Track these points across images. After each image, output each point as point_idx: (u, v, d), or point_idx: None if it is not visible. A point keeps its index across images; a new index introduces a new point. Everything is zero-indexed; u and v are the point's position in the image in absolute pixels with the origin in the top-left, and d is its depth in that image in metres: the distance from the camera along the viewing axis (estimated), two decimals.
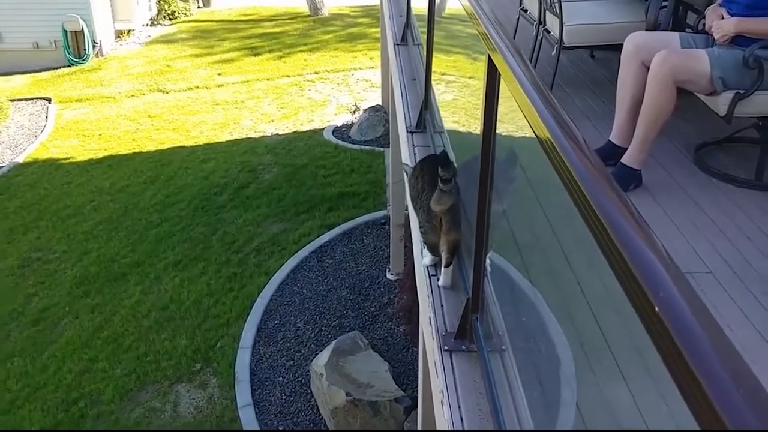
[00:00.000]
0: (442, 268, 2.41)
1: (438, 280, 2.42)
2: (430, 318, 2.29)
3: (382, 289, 7.46)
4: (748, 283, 2.39)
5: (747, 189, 3.05)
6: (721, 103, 2.93)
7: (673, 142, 3.54)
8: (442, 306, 2.28)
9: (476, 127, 2.14)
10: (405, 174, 2.65)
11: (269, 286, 7.51)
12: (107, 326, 7.18)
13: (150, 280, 7.82)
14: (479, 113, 1.87)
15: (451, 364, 2.04)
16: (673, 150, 3.47)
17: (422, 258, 2.54)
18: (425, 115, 3.55)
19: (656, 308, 0.76)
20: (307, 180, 9.66)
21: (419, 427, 3.53)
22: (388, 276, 7.57)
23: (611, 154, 3.25)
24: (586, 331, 2.19)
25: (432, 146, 3.34)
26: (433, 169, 2.30)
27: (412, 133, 3.59)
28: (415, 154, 3.40)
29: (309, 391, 6.19)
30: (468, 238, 2.28)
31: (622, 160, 3.10)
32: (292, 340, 6.79)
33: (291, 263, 7.88)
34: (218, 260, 8.04)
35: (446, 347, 2.07)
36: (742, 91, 2.90)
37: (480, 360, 2.00)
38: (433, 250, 2.43)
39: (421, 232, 2.42)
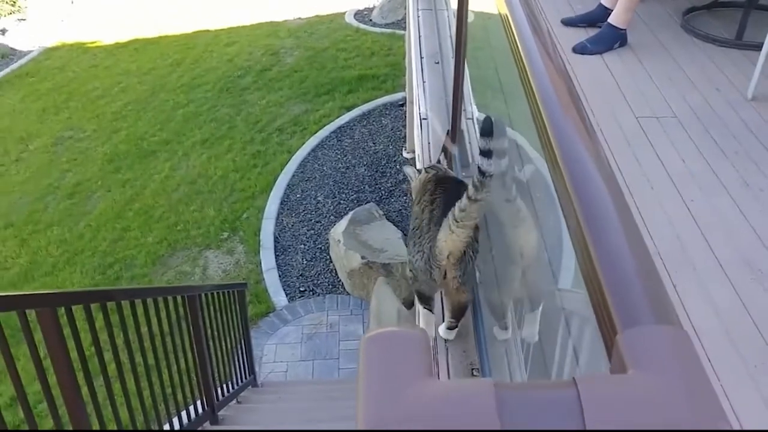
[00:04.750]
0: (444, 327, 1.84)
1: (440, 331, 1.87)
2: (418, 155, 2.58)
3: (398, 166, 7.75)
4: (708, 126, 2.65)
5: (726, 48, 3.25)
6: None
7: (664, 7, 3.71)
8: (429, 143, 2.57)
9: None
10: (409, 180, 1.94)
11: (291, 163, 7.86)
12: (138, 199, 7.62)
13: (178, 157, 8.20)
14: None
15: None
16: (662, 14, 3.65)
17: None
18: None
19: (559, 158, 0.78)
20: (328, 63, 9.83)
21: None
22: (404, 154, 7.85)
23: (602, 15, 3.44)
24: None
25: (434, 9, 3.54)
26: (448, 191, 1.67)
27: None
28: (419, 14, 3.60)
29: (328, 256, 6.62)
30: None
31: (608, 20, 3.30)
32: (313, 212, 7.18)
33: (312, 142, 8.18)
34: (243, 139, 8.37)
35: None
36: None
37: None
38: (427, 300, 1.79)
39: (410, 277, 1.74)
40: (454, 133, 2.28)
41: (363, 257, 6.03)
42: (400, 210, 7.08)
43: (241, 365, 4.80)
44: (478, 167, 1.39)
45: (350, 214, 6.65)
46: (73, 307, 2.21)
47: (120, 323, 2.67)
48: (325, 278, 6.48)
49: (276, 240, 6.89)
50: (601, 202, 0.68)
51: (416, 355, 0.50)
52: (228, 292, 4.49)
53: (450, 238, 1.50)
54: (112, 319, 2.64)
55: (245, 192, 7.55)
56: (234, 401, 4.35)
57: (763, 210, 2.20)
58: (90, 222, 7.37)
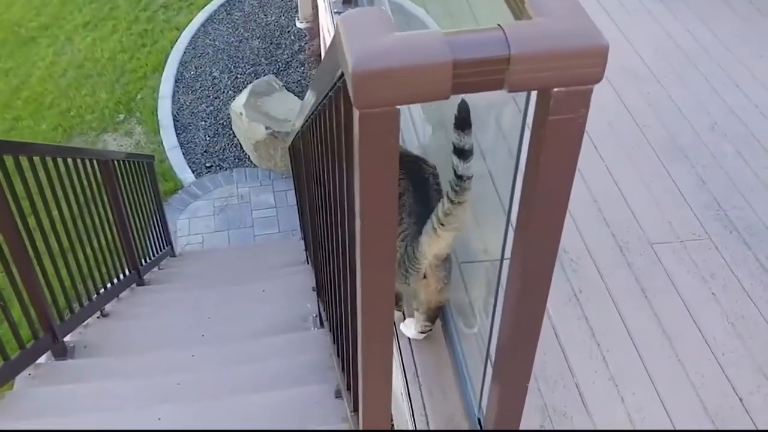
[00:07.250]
0: (413, 328, 1.80)
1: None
2: None
3: (292, 37, 7.72)
4: None
5: None
6: None
7: None
8: None
9: None
10: None
11: (181, 40, 7.68)
12: (25, 87, 7.33)
13: (61, 42, 7.86)
14: None
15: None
16: None
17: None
18: None
19: None
20: None
21: None
22: (298, 24, 7.80)
23: None
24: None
25: None
26: (418, 177, 1.55)
27: None
28: None
29: (231, 131, 6.65)
30: None
31: None
32: (210, 88, 7.13)
33: (200, 17, 7.98)
34: (127, 18, 8.07)
35: (335, 11, 2.50)
36: None
37: None
38: (395, 301, 1.71)
39: None
40: None
41: (267, 128, 6.11)
42: (299, 81, 7.12)
43: (158, 236, 4.91)
44: (454, 170, 1.26)
45: (249, 86, 6.65)
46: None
47: (36, 184, 2.73)
48: (231, 152, 6.54)
49: (175, 119, 6.85)
50: None
51: (380, 21, 0.67)
52: (138, 162, 4.53)
53: (435, 242, 1.39)
54: (29, 180, 2.70)
55: (136, 72, 7.38)
56: (156, 268, 4.49)
57: (637, 25, 2.46)
58: None
